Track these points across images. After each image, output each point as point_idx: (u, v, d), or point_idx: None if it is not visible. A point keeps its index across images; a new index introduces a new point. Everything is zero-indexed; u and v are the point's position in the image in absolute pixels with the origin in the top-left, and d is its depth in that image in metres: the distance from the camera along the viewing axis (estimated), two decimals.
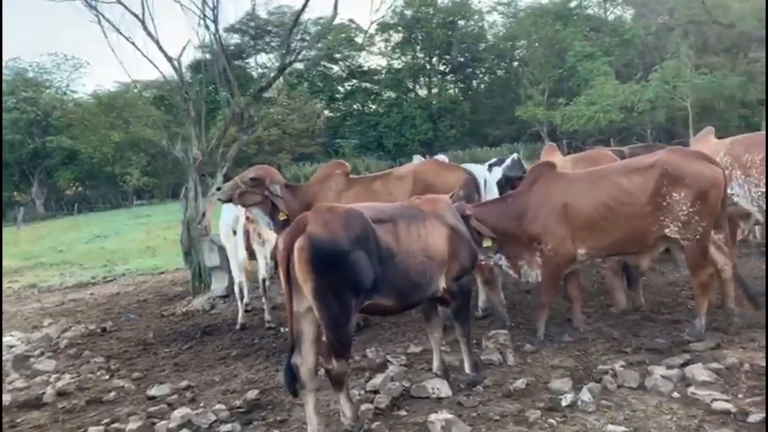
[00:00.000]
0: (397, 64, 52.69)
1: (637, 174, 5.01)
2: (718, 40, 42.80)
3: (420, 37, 50.61)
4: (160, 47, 9.10)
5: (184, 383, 5.22)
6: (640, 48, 44.82)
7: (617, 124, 39.34)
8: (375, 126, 49.74)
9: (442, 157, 7.65)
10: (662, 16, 45.20)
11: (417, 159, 10.20)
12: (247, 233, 6.94)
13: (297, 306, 3.73)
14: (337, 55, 52.20)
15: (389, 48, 52.72)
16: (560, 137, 43.81)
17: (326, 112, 54.45)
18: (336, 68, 54.09)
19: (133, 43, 8.82)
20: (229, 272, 8.37)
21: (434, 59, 52.03)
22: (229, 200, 6.06)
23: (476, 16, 51.69)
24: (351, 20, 49.50)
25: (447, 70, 52.92)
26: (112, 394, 5.13)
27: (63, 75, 47.62)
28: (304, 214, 3.81)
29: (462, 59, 52.21)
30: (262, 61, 52.15)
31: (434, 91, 52.19)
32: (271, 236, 7.03)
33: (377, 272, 3.75)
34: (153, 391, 5.04)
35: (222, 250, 8.30)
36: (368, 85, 53.45)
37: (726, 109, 38.30)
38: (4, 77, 38.27)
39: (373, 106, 53.05)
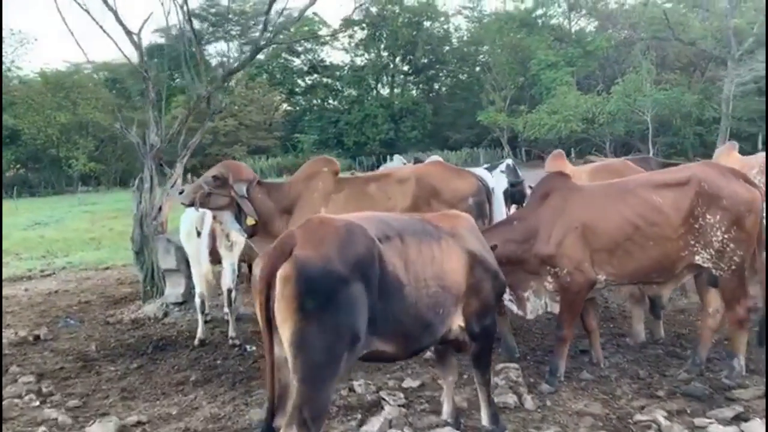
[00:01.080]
0: (360, 61, 52.05)
1: (668, 189, 4.33)
2: (676, 58, 43.58)
3: (384, 35, 49.99)
4: (118, 19, 8.07)
5: (132, 417, 4.30)
6: (601, 60, 45.20)
7: (577, 135, 39.49)
8: (335, 123, 48.91)
9: (436, 158, 6.91)
10: (624, 30, 45.73)
11: (398, 159, 9.46)
12: (212, 235, 6.03)
13: (280, 351, 2.85)
14: (299, 48, 51.04)
15: (353, 44, 52.00)
16: (521, 144, 43.91)
17: (285, 105, 53.31)
18: (297, 61, 53.00)
19: (87, 11, 7.76)
20: (187, 276, 7.44)
21: (398, 59, 51.51)
22: (192, 204, 5.18)
23: (442, 18, 51.43)
24: (315, 13, 48.43)
25: (410, 71, 52.48)
26: (42, 429, 4.18)
27: (7, 50, 45.07)
28: (289, 231, 2.94)
29: (425, 60, 51.90)
30: (222, 49, 50.61)
31: (396, 90, 51.68)
32: (240, 239, 6.15)
33: (376, 308, 2.89)
34: (94, 428, 4.11)
35: (180, 250, 7.33)
36: (329, 80, 52.56)
37: (682, 126, 38.94)
38: None
39: (334, 103, 52.19)
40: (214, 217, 5.65)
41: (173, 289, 7.46)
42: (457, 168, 5.29)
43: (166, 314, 7.32)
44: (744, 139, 36.48)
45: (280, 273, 2.77)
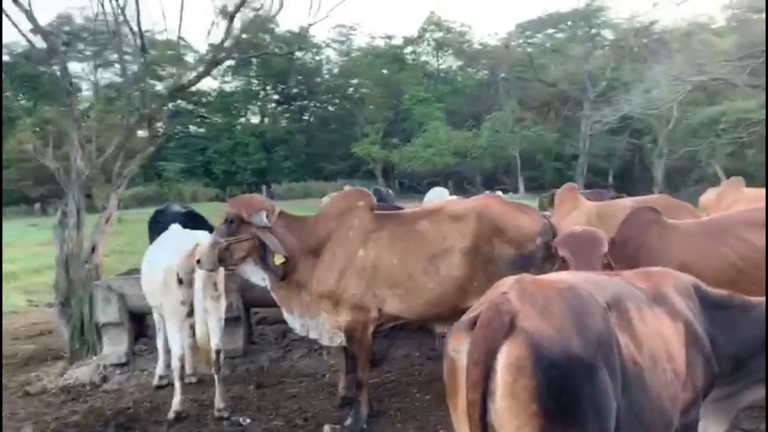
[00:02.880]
0: (228, 87, 50.24)
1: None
2: (533, 98, 46.64)
3: (255, 63, 48.78)
4: (32, 19, 6.67)
5: None
6: (467, 98, 47.19)
7: (450, 168, 40.67)
8: (203, 150, 46.64)
9: (441, 190, 6.28)
10: (485, 71, 48.42)
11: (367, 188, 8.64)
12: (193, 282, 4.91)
13: None
14: (162, 72, 48.30)
15: (221, 70, 50.16)
16: (395, 176, 44.41)
17: (143, 132, 49.98)
18: (159, 86, 50.00)
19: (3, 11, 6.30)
20: (130, 330, 6.18)
21: (269, 87, 50.42)
22: (213, 268, 4.42)
23: (314, 50, 51.22)
24: (181, 37, 46.14)
25: (281, 100, 51.56)
26: None
27: None
28: (501, 295, 2.10)
29: (297, 90, 51.32)
30: (74, 70, 46.60)
31: (268, 119, 50.52)
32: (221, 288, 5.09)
33: (620, 406, 2.12)
34: None
35: (123, 300, 6.07)
36: (195, 107, 50.20)
37: (543, 161, 41.49)
38: None
39: (201, 130, 49.84)
40: (198, 260, 4.58)
41: (113, 348, 6.12)
42: (517, 203, 4.69)
43: (105, 379, 5.96)
44: (597, 174, 39.74)
45: (506, 357, 1.98)
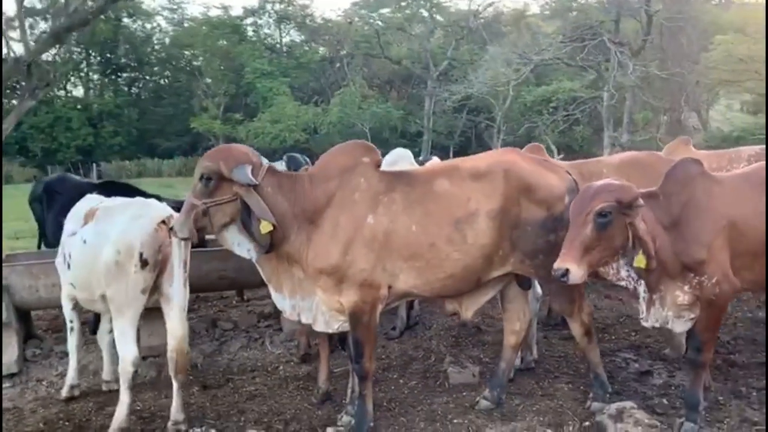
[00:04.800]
0: (45, 56, 44.77)
1: None
2: (378, 75, 47.08)
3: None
4: None
5: None
6: (313, 73, 46.35)
7: (300, 144, 39.71)
8: (17, 126, 41.11)
9: (403, 152, 5.59)
10: (329, 46, 47.89)
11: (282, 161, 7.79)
12: (159, 263, 3.84)
13: None
14: None
15: (34, 37, 44.58)
16: None
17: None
18: None
19: None
20: (19, 331, 4.89)
21: (93, 56, 45.80)
22: (189, 237, 3.47)
23: (144, 17, 47.29)
24: None
25: (108, 71, 47.08)
26: None
27: None
28: None
29: (125, 60, 47.17)
30: None
31: (93, 92, 45.95)
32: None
33: None
34: None
35: (8, 293, 4.76)
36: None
37: (389, 138, 42.05)
38: None
39: (13, 102, 44.05)
40: (172, 229, 3.56)
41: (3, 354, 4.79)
42: (546, 160, 4.14)
43: None
44: (440, 150, 41.08)
45: None
